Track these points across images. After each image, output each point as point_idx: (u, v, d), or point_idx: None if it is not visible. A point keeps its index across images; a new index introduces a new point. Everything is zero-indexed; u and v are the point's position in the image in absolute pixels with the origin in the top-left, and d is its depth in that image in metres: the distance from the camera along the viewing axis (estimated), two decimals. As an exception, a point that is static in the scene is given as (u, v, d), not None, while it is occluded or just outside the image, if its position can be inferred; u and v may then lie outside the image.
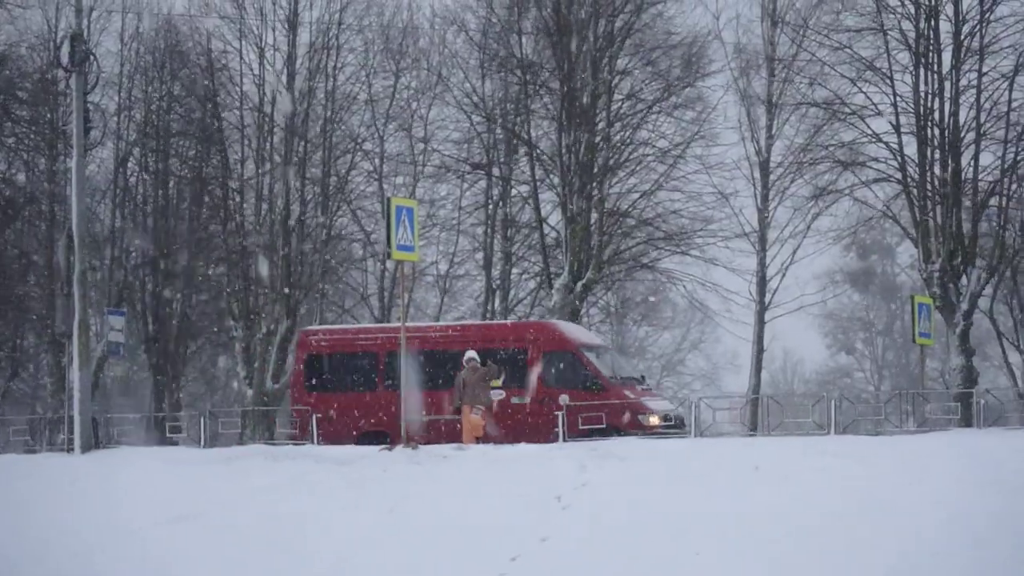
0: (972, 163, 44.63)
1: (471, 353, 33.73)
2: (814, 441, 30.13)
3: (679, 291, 53.18)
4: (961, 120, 44.49)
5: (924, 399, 36.02)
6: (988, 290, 45.53)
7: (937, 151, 44.32)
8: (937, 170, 44.32)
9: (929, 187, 44.23)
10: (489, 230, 52.60)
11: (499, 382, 34.50)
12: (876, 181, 46.44)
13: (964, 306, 42.57)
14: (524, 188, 51.94)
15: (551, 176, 50.06)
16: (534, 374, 36.36)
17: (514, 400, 36.08)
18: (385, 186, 52.17)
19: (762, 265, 48.93)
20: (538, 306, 51.54)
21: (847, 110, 46.31)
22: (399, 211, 32.33)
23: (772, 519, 25.26)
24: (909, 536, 24.32)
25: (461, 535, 26.53)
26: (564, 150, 48.49)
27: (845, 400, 38.44)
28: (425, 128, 53.29)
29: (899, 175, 45.14)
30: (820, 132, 47.18)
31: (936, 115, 44.37)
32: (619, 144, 49.86)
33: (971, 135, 44.54)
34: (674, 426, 35.56)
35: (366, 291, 54.35)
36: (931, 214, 43.61)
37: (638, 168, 50.17)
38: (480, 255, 53.73)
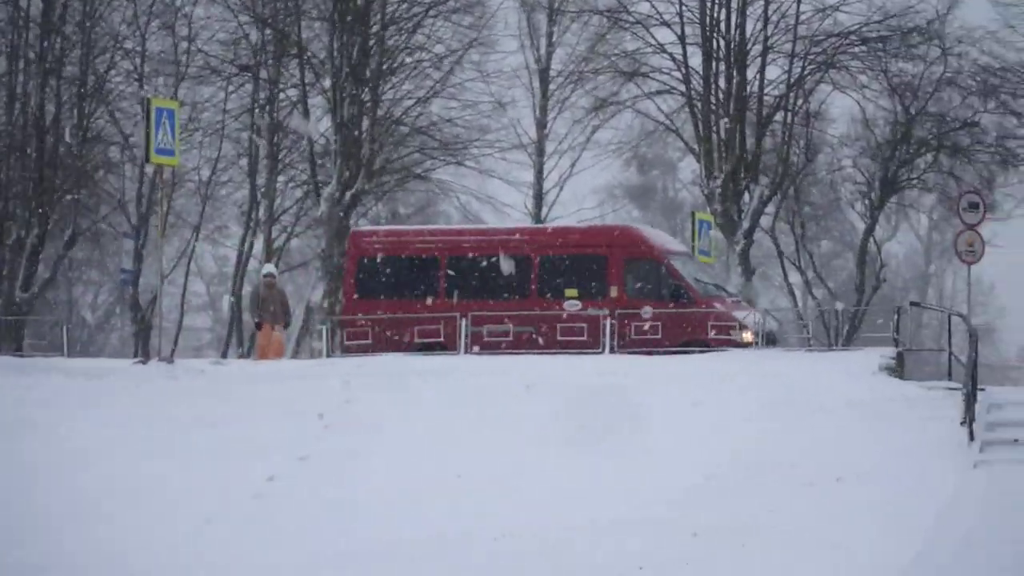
0: (758, 76, 44.30)
1: (269, 267, 32.35)
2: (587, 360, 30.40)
3: (453, 203, 52.41)
4: (748, 32, 44.18)
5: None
6: (770, 208, 45.42)
7: (722, 63, 43.90)
8: (722, 83, 43.95)
9: (713, 100, 43.84)
10: (255, 136, 50.87)
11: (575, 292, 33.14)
12: (659, 93, 46.05)
13: (745, 224, 42.19)
14: (293, 92, 50.34)
15: (321, 80, 48.62)
16: (614, 284, 33.67)
17: (591, 312, 33.27)
18: (145, 87, 50.05)
19: (539, 178, 48.43)
20: (304, 216, 50.23)
21: (631, 19, 45.75)
22: (159, 113, 31.14)
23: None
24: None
25: (215, 455, 25.30)
26: (336, 53, 47.12)
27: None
28: (189, 27, 51.20)
29: (683, 87, 44.79)
30: (602, 41, 46.67)
31: (722, 26, 44.01)
32: (394, 48, 48.69)
33: (757, 48, 44.27)
34: (769, 340, 33.44)
35: (123, 197, 52.27)
36: (715, 128, 43.13)
37: (413, 74, 49.07)
38: (244, 162, 52.02)
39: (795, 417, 25.66)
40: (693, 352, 30.81)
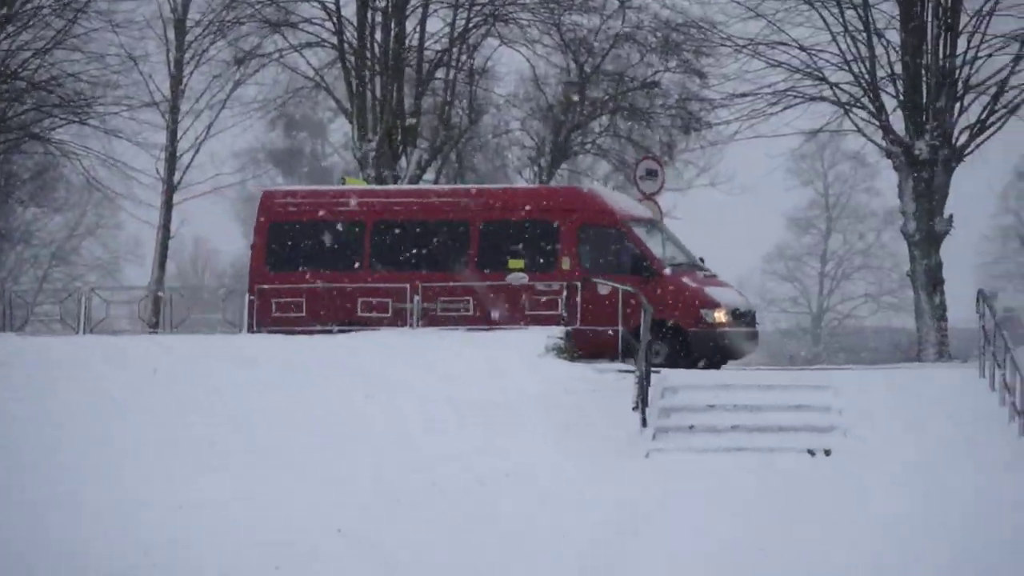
0: (418, 29, 44.10)
1: None
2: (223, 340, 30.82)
3: (75, 167, 50.87)
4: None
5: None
6: (430, 175, 45.38)
7: (379, 14, 43.58)
8: (379, 36, 43.60)
9: (368, 55, 43.51)
10: None
11: (520, 263, 31.79)
12: (308, 46, 45.61)
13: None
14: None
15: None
16: (567, 254, 32.06)
17: (540, 287, 31.82)
18: None
19: (173, 139, 47.40)
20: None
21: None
22: None
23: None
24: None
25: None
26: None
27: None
28: None
29: (335, 40, 44.26)
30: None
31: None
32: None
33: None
34: (746, 323, 32.36)
35: None
36: (369, 86, 42.82)
37: (32, 22, 47.47)
38: None
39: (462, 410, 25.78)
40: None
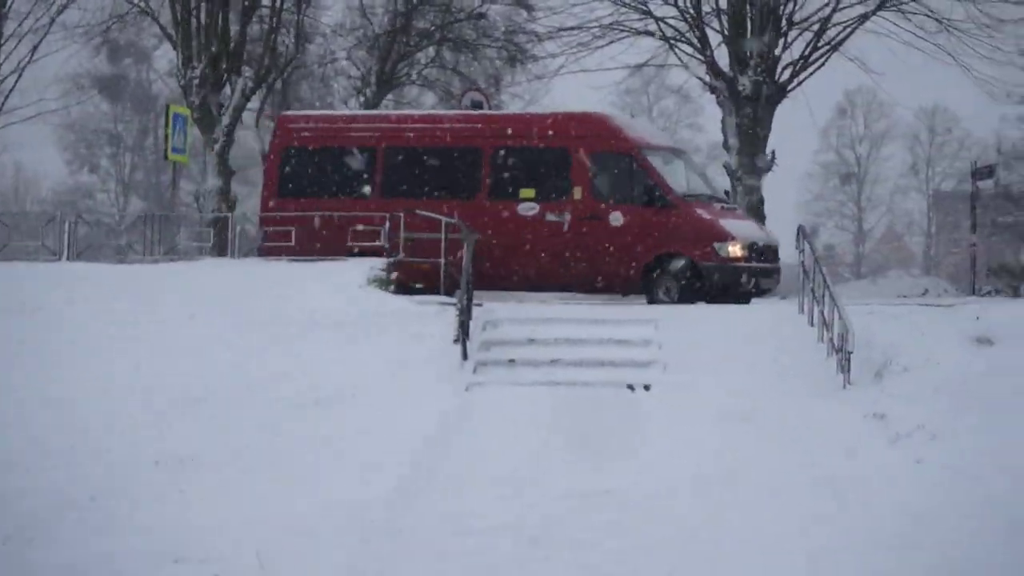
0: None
1: None
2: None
3: None
4: None
5: (176, 224, 35.86)
6: (255, 104, 44.79)
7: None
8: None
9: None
10: None
11: (531, 193, 30.39)
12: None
13: (225, 120, 41.24)
14: None
15: None
16: (578, 183, 30.49)
17: (549, 217, 30.48)
18: None
19: (-7, 63, 46.42)
20: None
21: None
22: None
23: None
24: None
25: None
26: None
27: (83, 223, 37.92)
28: None
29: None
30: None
31: None
32: None
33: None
34: (764, 258, 30.45)
35: None
36: (195, 12, 41.97)
37: None
38: None
39: (272, 337, 25.52)
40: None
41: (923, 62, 39.62)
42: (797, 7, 38.77)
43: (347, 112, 34.71)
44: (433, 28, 46.87)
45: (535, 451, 20.70)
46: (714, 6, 39.06)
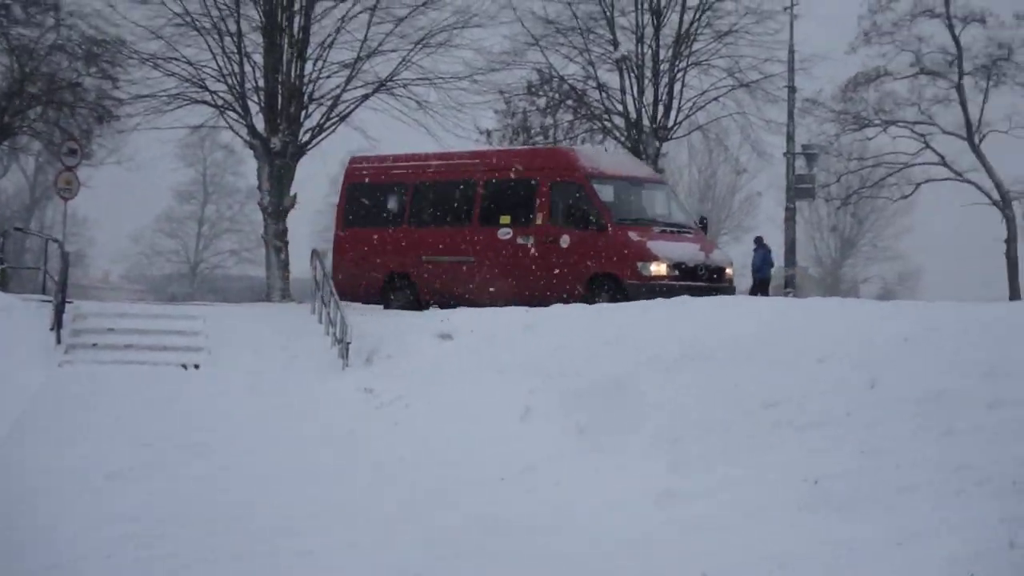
0: None
1: None
2: None
3: None
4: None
5: None
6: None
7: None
8: None
9: None
10: None
11: (507, 219, 27.38)
12: None
13: None
14: None
15: None
16: (541, 210, 27.15)
17: (519, 241, 27.29)
18: None
19: None
20: None
21: None
22: None
23: None
24: None
25: None
26: None
27: None
28: None
29: None
30: None
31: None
32: None
33: None
34: (697, 276, 26.29)
35: None
36: None
37: None
38: None
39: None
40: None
41: (409, 132, 40.46)
42: (315, 88, 39.26)
43: (395, 153, 31.67)
44: (41, 92, 45.40)
45: (113, 411, 20.59)
46: (254, 84, 39.16)
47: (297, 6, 38.74)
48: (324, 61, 39.05)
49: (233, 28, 38.44)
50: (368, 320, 25.29)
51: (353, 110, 39.64)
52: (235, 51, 38.72)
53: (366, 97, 39.66)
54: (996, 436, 13.12)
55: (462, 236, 28.18)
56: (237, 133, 40.03)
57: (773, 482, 13.67)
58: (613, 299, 25.09)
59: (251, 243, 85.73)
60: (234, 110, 39.46)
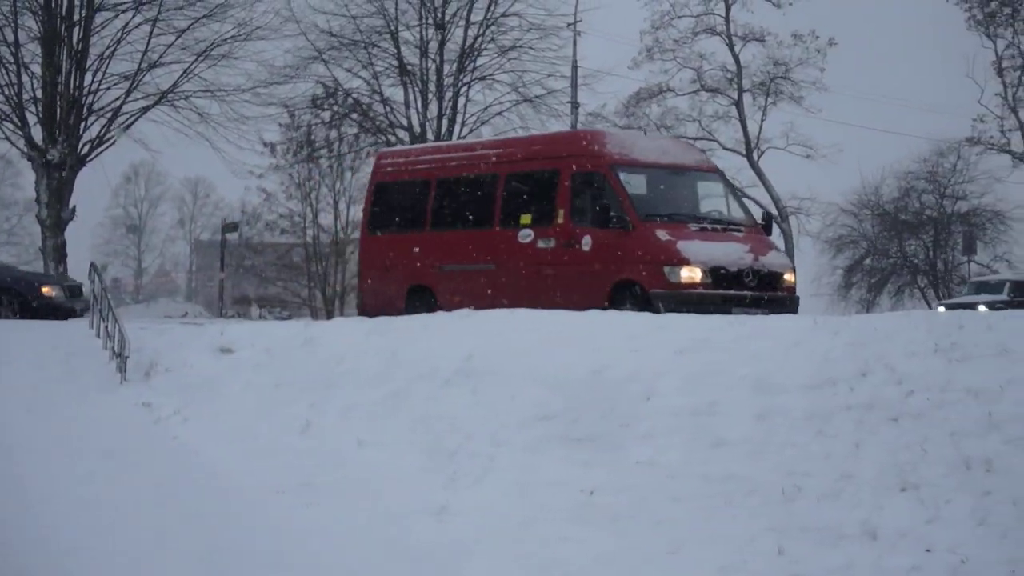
0: None
1: None
2: None
3: None
4: None
5: None
6: None
7: None
8: None
9: None
10: None
11: (528, 218, 22.70)
12: None
13: None
14: None
15: None
16: (562, 206, 22.50)
17: (540, 244, 22.77)
18: None
19: None
20: None
21: None
22: None
23: None
24: None
25: None
26: None
27: None
28: None
29: None
30: None
31: None
32: None
33: None
34: (745, 284, 21.42)
35: None
36: None
37: None
38: None
39: None
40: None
41: (191, 144, 39.77)
42: (95, 99, 38.27)
43: (420, 146, 27.60)
44: None
45: None
46: (32, 95, 38.00)
47: (77, 16, 37.68)
48: (104, 73, 38.19)
49: (11, 38, 37.22)
50: (148, 334, 24.62)
51: (133, 122, 38.82)
52: (12, 61, 37.49)
53: (147, 109, 38.88)
54: (763, 446, 13.28)
55: (482, 241, 23.84)
56: (14, 144, 38.80)
57: (547, 495, 13.59)
58: (640, 311, 19.97)
59: (30, 256, 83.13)
60: (11, 121, 38.21)
